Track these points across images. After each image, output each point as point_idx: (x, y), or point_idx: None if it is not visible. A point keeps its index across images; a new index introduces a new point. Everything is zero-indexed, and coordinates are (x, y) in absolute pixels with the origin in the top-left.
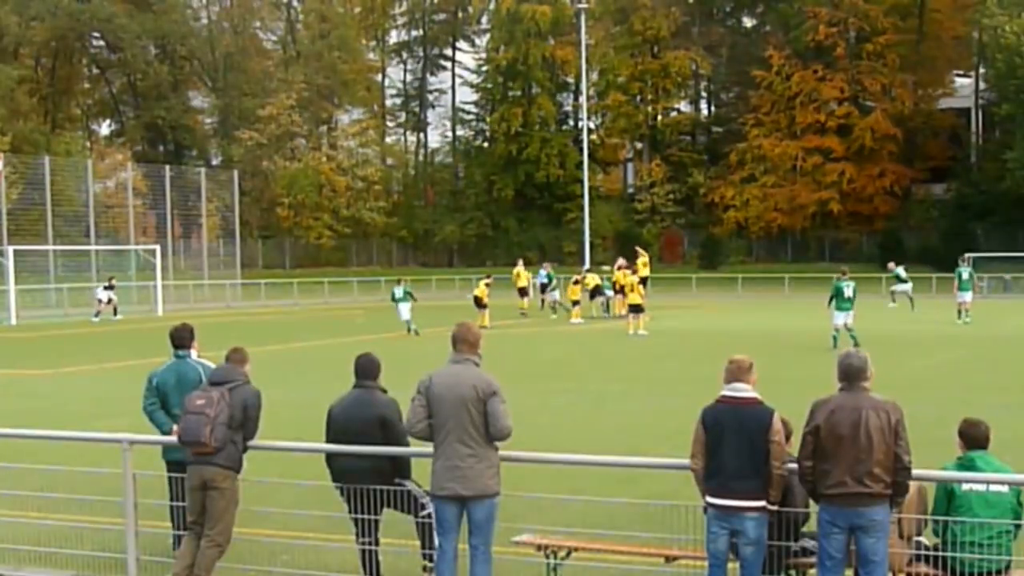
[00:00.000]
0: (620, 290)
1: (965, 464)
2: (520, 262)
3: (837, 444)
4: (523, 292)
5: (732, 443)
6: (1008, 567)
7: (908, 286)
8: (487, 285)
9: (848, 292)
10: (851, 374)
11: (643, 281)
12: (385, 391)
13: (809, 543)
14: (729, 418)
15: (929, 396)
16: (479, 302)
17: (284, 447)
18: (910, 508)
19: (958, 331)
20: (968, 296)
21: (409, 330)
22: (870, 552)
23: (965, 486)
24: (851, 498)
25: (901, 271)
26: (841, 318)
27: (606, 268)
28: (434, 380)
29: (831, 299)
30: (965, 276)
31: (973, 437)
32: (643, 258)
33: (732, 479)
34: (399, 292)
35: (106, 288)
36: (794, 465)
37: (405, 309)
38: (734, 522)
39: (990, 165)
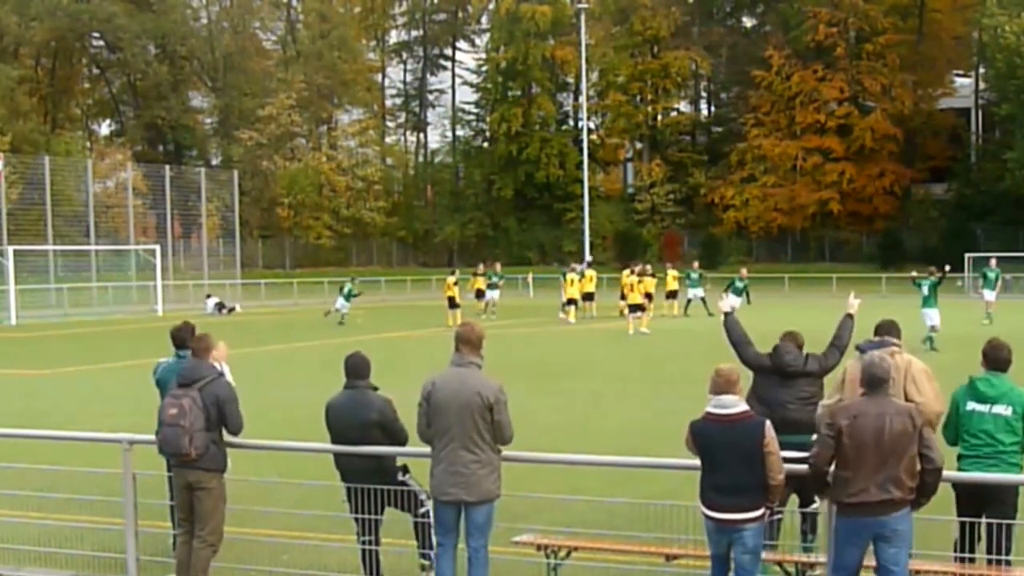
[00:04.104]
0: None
1: (970, 384)
2: (478, 272)
3: (860, 450)
4: (453, 302)
5: (725, 461)
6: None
7: (700, 290)
8: (455, 284)
9: (924, 290)
10: (875, 382)
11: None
12: (376, 389)
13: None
14: (719, 438)
15: None
16: (452, 301)
17: (284, 447)
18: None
19: (958, 331)
20: (991, 295)
21: (329, 313)
22: (891, 562)
23: (969, 405)
24: (875, 507)
25: (694, 273)
26: (935, 317)
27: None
28: (437, 386)
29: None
30: (991, 275)
31: (993, 359)
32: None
33: (727, 495)
34: (346, 291)
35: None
36: (790, 468)
37: (343, 303)
38: (731, 534)
39: (990, 165)
